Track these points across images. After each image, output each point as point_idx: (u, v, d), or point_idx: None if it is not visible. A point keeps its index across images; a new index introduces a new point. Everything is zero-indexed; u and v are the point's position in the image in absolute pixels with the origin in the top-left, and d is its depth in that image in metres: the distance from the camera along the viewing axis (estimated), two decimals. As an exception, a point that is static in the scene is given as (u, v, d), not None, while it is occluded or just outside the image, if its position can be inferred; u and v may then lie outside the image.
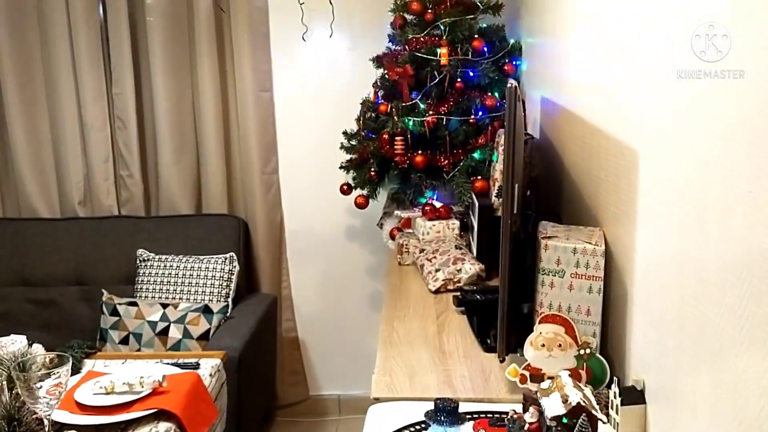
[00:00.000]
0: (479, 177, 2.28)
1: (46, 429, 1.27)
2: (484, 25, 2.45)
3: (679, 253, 1.06)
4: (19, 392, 1.25)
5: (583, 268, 1.33)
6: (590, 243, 1.34)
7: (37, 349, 1.48)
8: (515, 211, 1.35)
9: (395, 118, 2.37)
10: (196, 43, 2.87)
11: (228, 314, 2.60)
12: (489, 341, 1.64)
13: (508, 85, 1.28)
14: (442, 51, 2.31)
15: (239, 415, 2.25)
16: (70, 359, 1.25)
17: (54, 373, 1.20)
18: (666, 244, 1.14)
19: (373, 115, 2.52)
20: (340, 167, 2.65)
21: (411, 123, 2.34)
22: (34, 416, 1.33)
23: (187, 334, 2.49)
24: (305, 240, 3.10)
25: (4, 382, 1.37)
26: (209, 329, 2.51)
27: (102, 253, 2.83)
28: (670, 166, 1.12)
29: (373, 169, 2.49)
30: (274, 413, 3.10)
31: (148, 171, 3.02)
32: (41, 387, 1.23)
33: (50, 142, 2.97)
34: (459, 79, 2.33)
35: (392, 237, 2.54)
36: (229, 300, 2.65)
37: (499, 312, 1.37)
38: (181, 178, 2.97)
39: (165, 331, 2.49)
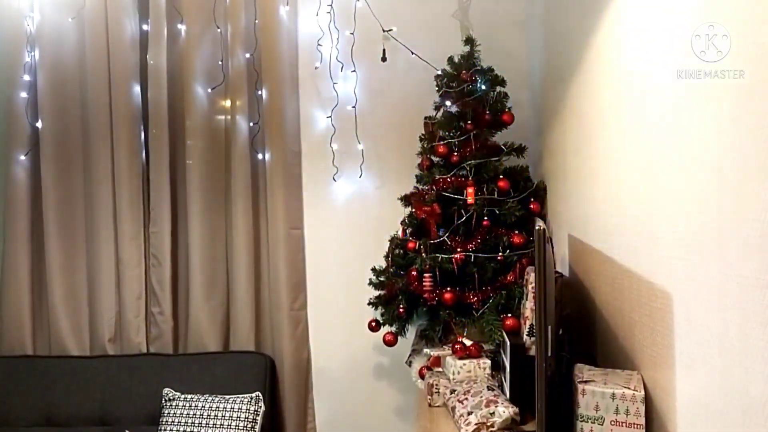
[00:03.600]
0: (509, 315, 2.26)
1: None
2: (509, 167, 2.53)
3: (723, 398, 1.03)
4: None
5: (623, 414, 1.28)
6: (629, 388, 1.30)
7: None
8: (549, 354, 1.33)
9: (423, 254, 2.41)
10: (231, 184, 3.00)
11: (252, 458, 2.51)
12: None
13: (536, 227, 1.30)
14: (469, 191, 2.38)
15: None
16: None
17: None
18: (708, 389, 1.11)
19: (401, 251, 2.56)
20: (369, 303, 2.65)
21: (439, 260, 2.37)
22: None
23: (209, 480, 2.40)
24: (332, 378, 3.04)
25: None
26: (232, 474, 2.42)
27: (128, 392, 2.81)
28: (707, 310, 1.11)
29: (401, 306, 2.49)
30: None
31: (179, 308, 3.06)
32: None
33: (85, 279, 3.04)
34: (486, 218, 2.38)
35: (421, 376, 2.48)
36: (254, 443, 2.58)
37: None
38: (210, 315, 3.00)
39: (187, 476, 2.41)
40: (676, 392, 1.25)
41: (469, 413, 2.03)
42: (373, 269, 2.66)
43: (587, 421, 1.31)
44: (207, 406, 2.64)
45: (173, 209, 3.04)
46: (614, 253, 1.65)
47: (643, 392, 1.30)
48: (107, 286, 3.02)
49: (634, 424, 1.28)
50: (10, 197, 3.03)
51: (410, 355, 2.72)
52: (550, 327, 1.32)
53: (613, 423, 1.29)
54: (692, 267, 1.17)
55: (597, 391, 1.30)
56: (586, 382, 1.33)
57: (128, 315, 3.00)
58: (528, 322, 2.15)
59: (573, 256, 2.19)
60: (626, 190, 1.55)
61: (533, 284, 2.12)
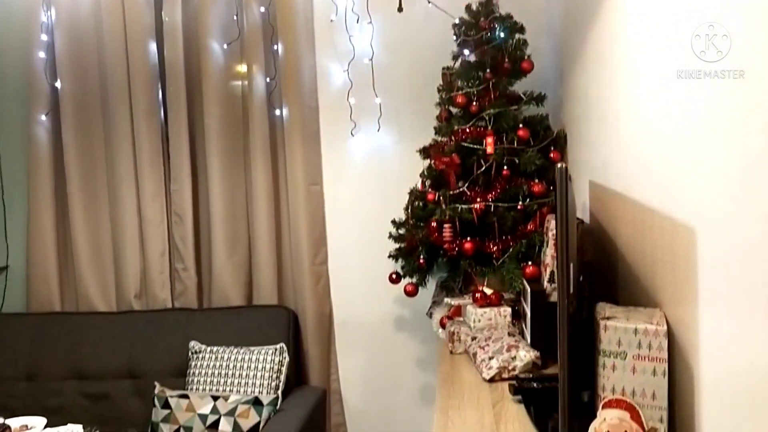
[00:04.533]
0: (530, 263, 2.26)
1: None
2: (528, 116, 2.51)
3: (747, 334, 1.03)
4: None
5: (646, 349, 1.29)
6: (651, 323, 1.31)
7: (95, 435, 1.48)
8: (571, 292, 1.34)
9: (443, 206, 2.41)
10: (250, 141, 3.00)
11: (278, 407, 2.57)
12: (551, 425, 1.57)
13: (558, 166, 1.30)
14: (488, 141, 2.37)
15: None
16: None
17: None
18: (733, 324, 1.11)
19: (420, 204, 2.57)
20: (389, 256, 2.67)
21: (459, 211, 2.37)
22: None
23: (237, 427, 2.46)
24: (354, 331, 3.08)
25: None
26: (259, 422, 2.48)
27: (155, 346, 2.87)
28: (731, 243, 1.10)
29: (422, 257, 2.50)
30: None
31: (202, 264, 3.10)
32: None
33: (110, 238, 3.09)
34: (505, 167, 2.37)
35: (442, 326, 2.51)
36: (279, 392, 2.63)
37: (560, 399, 1.33)
38: (233, 271, 3.04)
39: (215, 425, 2.47)
40: (699, 328, 1.26)
41: (491, 358, 2.05)
42: (393, 222, 2.67)
43: (610, 356, 1.32)
44: (233, 357, 2.69)
45: (193, 167, 3.06)
46: (637, 195, 1.64)
47: (665, 327, 1.31)
48: (131, 243, 3.06)
49: (657, 358, 1.29)
50: (33, 157, 3.07)
51: (430, 307, 2.75)
52: (572, 264, 1.32)
53: (635, 357, 1.30)
54: (716, 202, 1.17)
55: (620, 327, 1.31)
56: (608, 318, 1.34)
57: (153, 271, 3.06)
58: (548, 270, 2.16)
59: (594, 203, 2.19)
60: (650, 131, 1.53)
61: (554, 232, 2.12)
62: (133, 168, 3.03)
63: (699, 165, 1.24)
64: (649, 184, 1.55)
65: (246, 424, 2.47)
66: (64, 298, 3.13)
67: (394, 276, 2.68)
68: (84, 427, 1.56)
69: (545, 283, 2.15)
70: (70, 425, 1.58)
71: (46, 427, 1.72)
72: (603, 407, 1.31)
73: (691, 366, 1.29)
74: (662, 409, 1.30)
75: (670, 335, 1.33)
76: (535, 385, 1.84)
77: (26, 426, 1.59)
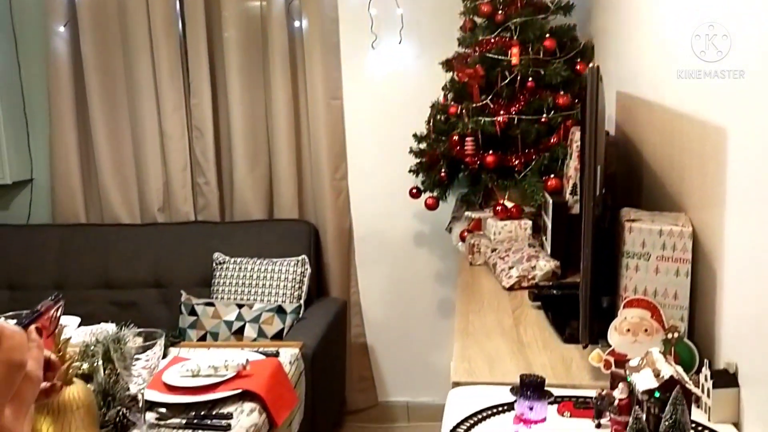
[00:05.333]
0: (552, 176, 2.26)
1: (140, 404, 1.32)
2: (555, 26, 2.44)
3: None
4: (116, 367, 1.30)
5: (670, 250, 1.30)
6: (676, 225, 1.31)
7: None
8: (597, 194, 1.34)
9: (465, 119, 2.39)
10: (269, 54, 2.96)
11: (300, 315, 2.65)
12: (568, 332, 1.61)
13: (590, 66, 1.27)
14: (513, 51, 2.32)
15: (313, 412, 2.27)
16: (164, 335, 1.30)
17: (149, 347, 1.25)
18: (759, 226, 1.11)
19: (442, 117, 2.54)
20: (410, 171, 2.67)
21: (482, 123, 2.35)
22: (127, 393, 1.39)
23: (261, 333, 2.54)
24: (374, 245, 3.12)
25: (100, 361, 1.43)
26: (282, 329, 2.56)
27: (180, 257, 2.93)
28: (762, 143, 1.09)
29: (443, 171, 2.50)
30: (343, 419, 3.11)
31: (223, 178, 3.13)
32: (135, 364, 1.28)
33: (132, 152, 3.11)
34: (530, 79, 2.33)
35: (462, 239, 2.53)
36: (302, 301, 2.70)
37: (581, 296, 1.35)
38: (254, 185, 3.06)
39: (240, 331, 2.56)
40: (724, 231, 1.26)
41: (510, 268, 2.08)
42: (414, 135, 2.65)
43: (633, 258, 1.33)
44: (256, 268, 2.75)
45: (212, 81, 3.04)
46: (666, 101, 1.61)
47: (690, 229, 1.31)
48: (153, 157, 3.08)
49: (680, 259, 1.30)
50: (52, 69, 3.05)
51: (450, 222, 2.77)
52: (599, 166, 1.32)
53: (659, 258, 1.31)
54: (748, 100, 1.14)
55: (644, 229, 1.32)
56: (633, 220, 1.34)
57: (175, 185, 3.09)
58: (571, 182, 2.15)
59: (621, 114, 2.16)
60: (682, 34, 1.49)
61: (578, 143, 2.10)
62: (152, 79, 3.01)
63: (731, 65, 1.21)
64: (679, 89, 1.52)
65: (270, 330, 2.55)
66: (88, 210, 3.18)
67: (414, 191, 2.69)
68: (117, 326, 1.61)
69: (567, 195, 2.15)
70: (102, 324, 1.64)
71: (79, 326, 1.78)
72: (624, 307, 1.33)
73: (714, 268, 1.30)
74: (683, 308, 1.32)
75: (695, 238, 1.33)
76: (554, 291, 1.88)
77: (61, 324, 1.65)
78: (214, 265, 2.84)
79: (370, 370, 3.18)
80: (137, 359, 1.28)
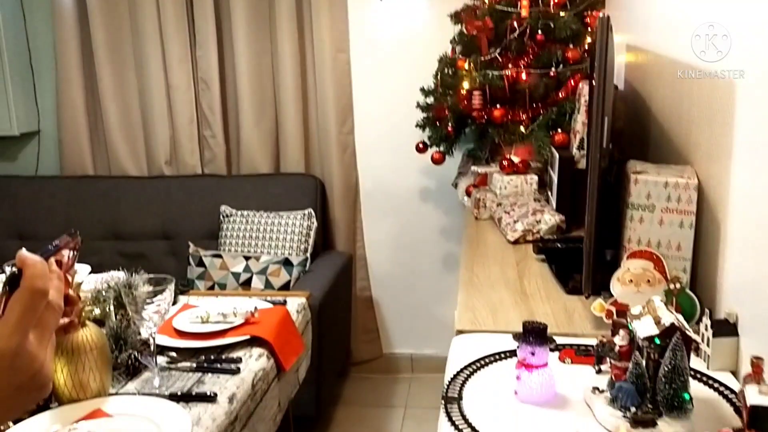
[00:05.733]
0: (559, 130, 2.25)
1: (151, 348, 1.35)
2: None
3: None
4: (127, 312, 1.33)
5: (675, 202, 1.31)
6: (682, 177, 1.32)
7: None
8: (604, 146, 1.34)
9: (473, 72, 2.37)
10: (275, 6, 2.93)
11: (307, 268, 2.68)
12: (572, 284, 1.63)
13: (600, 15, 1.26)
14: (523, 3, 2.29)
15: (319, 362, 2.32)
16: (173, 280, 1.33)
17: (160, 292, 1.28)
18: (765, 179, 1.11)
19: (450, 71, 2.52)
20: (417, 125, 2.66)
21: (490, 77, 2.33)
22: (138, 337, 1.43)
23: (268, 285, 2.58)
24: (380, 200, 3.13)
25: (112, 306, 1.47)
26: (289, 281, 2.60)
27: (187, 210, 2.96)
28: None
29: (450, 125, 2.50)
30: (348, 369, 3.18)
31: (230, 132, 3.13)
32: (146, 308, 1.31)
33: (138, 104, 3.11)
34: (540, 32, 2.30)
35: (468, 194, 2.54)
36: (308, 254, 2.73)
37: (585, 245, 1.36)
38: (260, 139, 3.06)
39: (248, 282, 2.59)
40: (730, 183, 1.27)
41: (515, 221, 2.10)
42: (422, 89, 2.64)
43: (638, 210, 1.34)
44: (263, 221, 2.78)
45: (218, 33, 3.01)
46: (676, 53, 1.60)
47: (696, 181, 1.32)
48: (159, 110, 3.08)
49: (685, 211, 1.31)
50: (58, 22, 3.03)
51: (456, 177, 2.77)
52: (606, 118, 1.32)
53: (663, 210, 1.32)
54: (761, 51, 1.14)
55: (650, 180, 1.32)
56: (639, 172, 1.35)
57: (181, 138, 3.09)
58: (578, 137, 2.15)
59: (630, 68, 2.14)
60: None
61: (586, 98, 2.09)
62: (158, 31, 2.99)
63: (743, 15, 1.19)
64: (689, 41, 1.51)
65: (277, 282, 2.58)
66: (96, 162, 3.20)
67: (421, 145, 2.69)
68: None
69: (574, 150, 2.15)
70: (112, 272, 1.66)
71: (90, 274, 1.81)
72: (627, 258, 1.34)
73: (718, 220, 1.31)
74: (686, 260, 1.34)
75: (700, 190, 1.34)
76: (558, 245, 1.89)
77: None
78: (221, 217, 2.86)
79: (375, 322, 3.23)
80: (149, 303, 1.30)
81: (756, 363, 0.95)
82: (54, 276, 0.59)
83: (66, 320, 1.05)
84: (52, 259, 0.62)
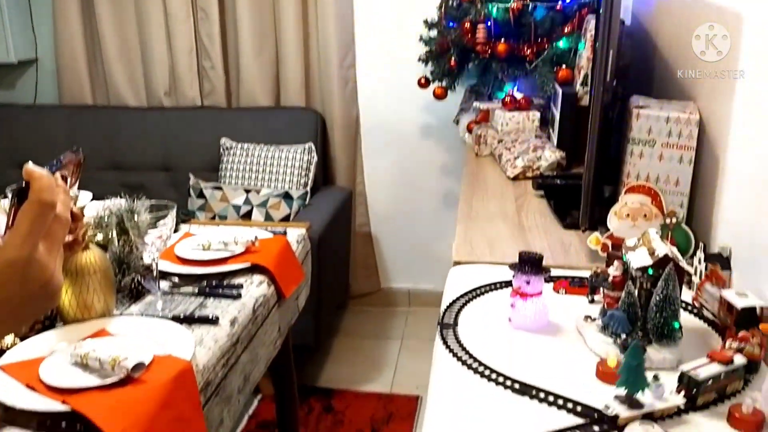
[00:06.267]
0: (563, 66, 2.22)
1: (154, 273, 1.37)
2: None
3: None
4: (130, 237, 1.35)
5: (675, 137, 1.31)
6: (684, 113, 1.32)
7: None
8: (608, 80, 1.33)
9: (478, 5, 2.32)
10: (276, -69, 2.85)
11: (306, 202, 2.69)
12: (569, 219, 1.65)
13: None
14: (531, -67, 2.22)
15: (318, 295, 2.36)
16: (175, 206, 1.34)
17: (162, 217, 1.29)
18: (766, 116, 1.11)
19: (454, 3, 2.47)
20: (419, 60, 2.63)
21: (495, 10, 2.29)
22: (141, 262, 1.45)
23: (268, 217, 2.60)
24: (381, 136, 3.12)
25: (114, 231, 1.48)
26: (289, 214, 2.62)
27: (187, 142, 2.95)
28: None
29: (453, 59, 2.46)
30: (347, 302, 3.24)
31: (229, 63, 3.09)
32: (149, 233, 1.33)
33: (136, 32, 3.06)
34: (547, -37, 2.25)
35: (469, 130, 2.53)
36: (308, 189, 2.74)
37: (585, 178, 1.37)
38: (260, 71, 3.02)
39: (248, 215, 2.61)
40: (732, 115, 1.26)
41: (516, 158, 2.10)
42: (425, 22, 2.59)
43: (638, 144, 1.34)
44: (263, 154, 2.77)
45: (217, -41, 2.94)
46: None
47: (698, 116, 1.31)
48: (158, 39, 3.03)
49: (685, 146, 1.31)
50: (53, -56, 2.95)
51: (458, 114, 2.76)
52: (612, 51, 1.30)
53: (664, 145, 1.32)
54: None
55: (652, 115, 1.32)
56: (641, 107, 1.34)
57: (181, 69, 3.05)
58: (582, 73, 2.13)
59: (638, 4, 2.10)
60: None
61: (592, 32, 2.06)
62: (156, -43, 2.92)
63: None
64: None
65: (277, 215, 2.60)
66: (95, 92, 3.17)
67: (423, 80, 2.66)
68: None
69: (578, 86, 2.13)
70: (113, 198, 1.67)
71: (91, 200, 1.82)
72: (625, 193, 1.35)
73: (718, 156, 1.32)
74: (684, 195, 1.35)
75: (701, 126, 1.34)
76: (558, 181, 1.90)
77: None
78: (221, 150, 2.85)
79: (374, 257, 3.27)
80: (151, 228, 1.32)
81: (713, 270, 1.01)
82: (60, 190, 0.60)
83: (70, 238, 1.07)
84: (58, 174, 0.63)
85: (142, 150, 2.97)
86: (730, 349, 0.98)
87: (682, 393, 0.92)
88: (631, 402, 0.90)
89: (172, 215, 1.33)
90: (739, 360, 0.95)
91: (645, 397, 0.89)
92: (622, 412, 0.89)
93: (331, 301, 2.85)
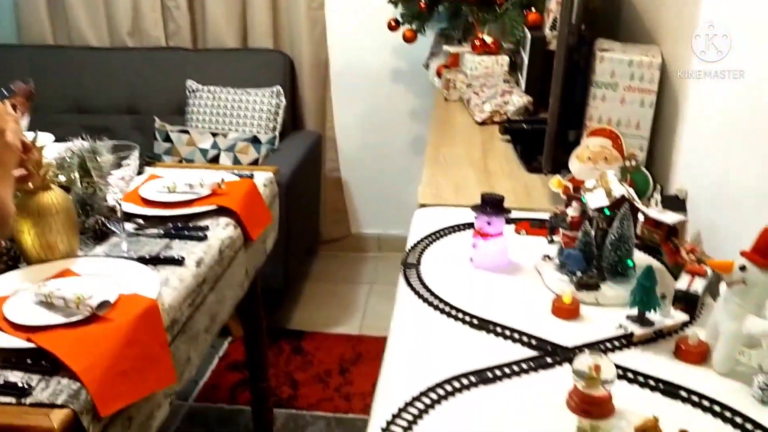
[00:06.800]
0: (533, 9, 2.21)
1: (119, 214, 1.37)
2: None
3: (738, 68, 1.06)
4: (93, 178, 1.34)
5: (638, 81, 1.33)
6: (646, 56, 1.33)
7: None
8: (573, 22, 1.33)
9: (449, -55, 2.28)
10: None
11: (275, 146, 2.67)
12: (534, 164, 1.67)
13: None
14: None
15: (287, 240, 2.37)
16: (138, 148, 1.33)
17: (125, 157, 1.28)
18: (725, 62, 1.13)
19: (426, -57, 2.42)
20: (389, 1, 2.59)
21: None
22: (105, 203, 1.44)
23: (236, 162, 2.58)
24: (350, 80, 3.09)
25: (77, 172, 1.46)
26: (257, 158, 2.60)
27: (152, 83, 2.89)
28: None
29: (423, 1, 2.43)
30: (317, 248, 3.26)
31: (195, 2, 3.00)
32: (112, 173, 1.31)
33: (97, -31, 2.95)
34: None
35: (438, 75, 2.52)
36: (276, 133, 2.72)
37: (549, 122, 1.39)
38: (227, 11, 2.94)
39: (216, 159, 2.59)
40: (693, 61, 1.28)
41: (484, 103, 2.10)
42: (396, -38, 2.54)
43: (601, 88, 1.36)
44: (230, 97, 2.73)
45: None
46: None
47: (660, 60, 1.33)
48: (120, -24, 2.93)
49: (646, 90, 1.33)
50: None
51: (428, 58, 2.73)
52: (578, -7, 1.30)
53: (626, 89, 1.34)
54: None
55: (615, 58, 1.33)
56: (605, 50, 1.35)
57: (144, 8, 2.96)
58: (551, 16, 2.12)
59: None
60: None
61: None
62: None
63: None
64: None
65: (245, 159, 2.58)
66: (56, 31, 3.06)
67: (393, 23, 2.62)
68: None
69: (547, 31, 2.12)
70: (77, 140, 1.64)
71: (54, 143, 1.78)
72: (587, 136, 1.37)
73: (678, 101, 1.34)
74: (644, 138, 1.37)
75: (663, 70, 1.36)
76: (524, 126, 1.91)
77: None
78: (187, 92, 2.80)
79: (343, 203, 3.28)
80: (116, 168, 1.30)
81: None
82: (10, 118, 0.60)
83: (24, 171, 1.05)
84: (8, 102, 0.62)
85: (106, 92, 2.90)
86: (692, 261, 1.03)
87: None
88: (642, 320, 0.96)
89: (134, 156, 1.32)
90: (710, 271, 1.00)
91: (654, 316, 0.96)
92: (636, 330, 0.95)
93: (301, 245, 2.86)
